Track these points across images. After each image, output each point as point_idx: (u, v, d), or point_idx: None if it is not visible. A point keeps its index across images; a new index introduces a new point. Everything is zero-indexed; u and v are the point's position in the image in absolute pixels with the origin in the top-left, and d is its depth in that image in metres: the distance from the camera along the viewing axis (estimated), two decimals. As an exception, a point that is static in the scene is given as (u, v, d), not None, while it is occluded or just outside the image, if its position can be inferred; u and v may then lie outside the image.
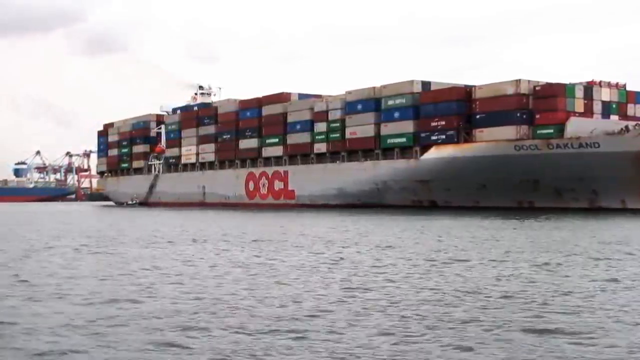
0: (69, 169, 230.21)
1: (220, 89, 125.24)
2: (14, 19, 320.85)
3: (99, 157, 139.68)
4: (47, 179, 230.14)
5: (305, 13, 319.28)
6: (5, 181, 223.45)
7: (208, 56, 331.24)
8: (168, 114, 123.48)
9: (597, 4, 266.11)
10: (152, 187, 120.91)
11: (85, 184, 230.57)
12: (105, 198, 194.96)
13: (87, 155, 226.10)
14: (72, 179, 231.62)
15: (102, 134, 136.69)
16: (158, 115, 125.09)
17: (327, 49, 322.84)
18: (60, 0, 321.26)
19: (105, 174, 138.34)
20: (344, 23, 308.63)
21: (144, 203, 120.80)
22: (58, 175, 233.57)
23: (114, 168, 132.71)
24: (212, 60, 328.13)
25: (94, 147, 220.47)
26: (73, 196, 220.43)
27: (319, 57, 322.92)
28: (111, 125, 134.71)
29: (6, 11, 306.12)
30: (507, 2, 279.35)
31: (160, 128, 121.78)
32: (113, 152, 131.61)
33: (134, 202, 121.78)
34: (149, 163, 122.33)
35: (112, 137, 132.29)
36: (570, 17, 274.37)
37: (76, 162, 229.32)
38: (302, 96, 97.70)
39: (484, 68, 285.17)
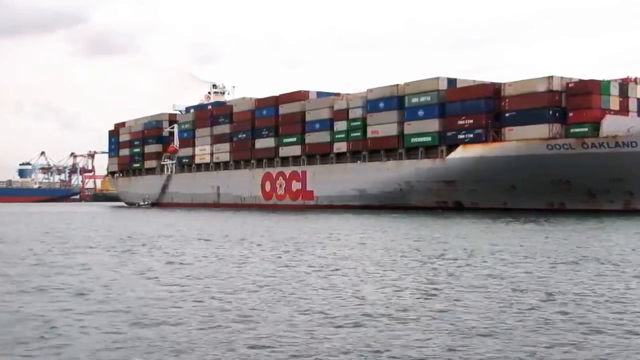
0: (73, 170, 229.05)
1: (234, 87, 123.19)
2: (19, 20, 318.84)
3: (109, 157, 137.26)
4: (51, 180, 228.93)
5: (311, 18, 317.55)
6: (10, 181, 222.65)
7: (213, 59, 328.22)
8: (181, 113, 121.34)
9: (598, 8, 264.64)
10: (164, 187, 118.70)
11: (90, 184, 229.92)
12: (109, 199, 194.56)
13: (91, 156, 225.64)
14: (76, 180, 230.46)
15: (113, 134, 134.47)
16: (170, 115, 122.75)
17: (333, 54, 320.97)
18: (64, 2, 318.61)
19: (117, 174, 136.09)
20: (350, 28, 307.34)
21: (156, 204, 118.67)
22: (62, 176, 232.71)
23: (126, 168, 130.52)
24: (217, 64, 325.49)
25: (98, 148, 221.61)
26: (77, 197, 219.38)
27: (324, 61, 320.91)
28: (122, 124, 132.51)
29: (10, 13, 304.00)
30: (508, 7, 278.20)
31: (173, 127, 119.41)
32: (124, 152, 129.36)
33: (146, 202, 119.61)
34: (162, 163, 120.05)
35: (124, 137, 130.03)
36: (571, 21, 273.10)
37: (80, 162, 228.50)
38: (320, 94, 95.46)
39: (487, 72, 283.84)
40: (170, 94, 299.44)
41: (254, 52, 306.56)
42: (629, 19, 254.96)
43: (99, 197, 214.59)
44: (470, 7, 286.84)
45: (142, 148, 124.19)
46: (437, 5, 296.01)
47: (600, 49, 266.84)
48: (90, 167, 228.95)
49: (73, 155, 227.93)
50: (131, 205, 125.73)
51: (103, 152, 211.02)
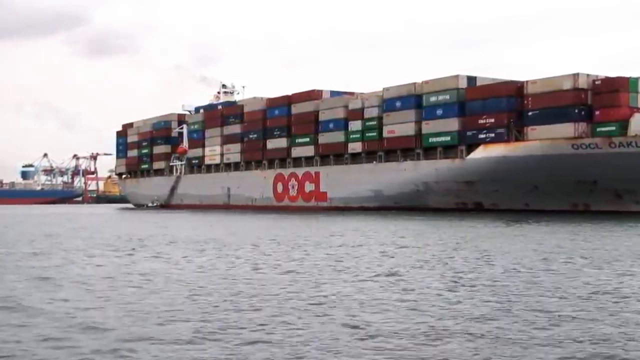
0: (75, 172, 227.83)
1: (243, 87, 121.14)
2: (19, 22, 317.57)
3: (117, 157, 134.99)
4: (54, 182, 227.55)
5: (311, 18, 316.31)
6: (13, 183, 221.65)
7: (213, 59, 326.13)
8: (190, 113, 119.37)
9: (598, 8, 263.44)
10: (173, 189, 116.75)
11: (92, 186, 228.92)
12: (111, 200, 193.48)
13: (93, 157, 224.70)
14: (79, 182, 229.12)
15: (121, 135, 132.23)
16: (179, 115, 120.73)
17: (333, 54, 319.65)
18: (64, 2, 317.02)
19: (124, 175, 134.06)
20: (350, 28, 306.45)
21: (165, 205, 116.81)
22: (65, 178, 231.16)
23: (134, 169, 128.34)
24: (217, 64, 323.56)
25: (99, 148, 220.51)
26: (80, 198, 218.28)
27: (324, 61, 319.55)
28: (130, 125, 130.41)
29: (10, 14, 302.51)
30: (508, 7, 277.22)
31: (182, 128, 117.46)
32: (132, 152, 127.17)
33: (155, 204, 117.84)
34: (171, 164, 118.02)
35: (132, 138, 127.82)
36: (571, 21, 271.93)
37: (83, 164, 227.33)
38: (334, 94, 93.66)
39: (487, 72, 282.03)
40: (171, 94, 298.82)
41: (254, 52, 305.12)
42: (629, 19, 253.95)
43: (101, 198, 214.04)
44: (470, 7, 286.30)
45: (151, 149, 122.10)
46: (437, 5, 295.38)
47: (600, 49, 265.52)
48: (92, 169, 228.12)
49: (75, 157, 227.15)
50: (139, 206, 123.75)
51: (105, 154, 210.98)
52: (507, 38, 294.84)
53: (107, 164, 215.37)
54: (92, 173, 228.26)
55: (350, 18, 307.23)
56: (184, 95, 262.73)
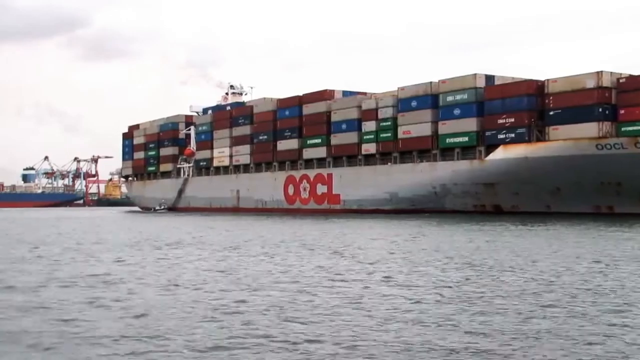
0: (76, 175, 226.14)
1: (252, 88, 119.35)
2: (20, 24, 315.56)
3: (123, 160, 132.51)
4: (55, 185, 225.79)
5: (312, 21, 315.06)
6: (14, 186, 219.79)
7: (215, 62, 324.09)
8: (198, 115, 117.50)
9: (598, 10, 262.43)
10: (181, 191, 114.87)
11: (93, 189, 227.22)
12: (112, 204, 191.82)
13: (94, 160, 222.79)
14: (80, 185, 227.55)
15: (127, 136, 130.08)
16: (187, 116, 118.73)
17: (334, 56, 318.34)
18: (66, 5, 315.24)
19: (130, 178, 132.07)
20: (352, 31, 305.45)
21: (173, 208, 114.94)
22: (66, 181, 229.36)
23: (140, 172, 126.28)
24: (219, 67, 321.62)
25: (100, 151, 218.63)
26: (81, 201, 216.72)
27: (326, 64, 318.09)
28: (137, 127, 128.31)
29: (13, 17, 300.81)
30: (509, 9, 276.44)
31: (189, 129, 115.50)
32: (139, 155, 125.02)
33: (162, 207, 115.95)
34: (178, 166, 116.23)
35: (138, 140, 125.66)
36: (571, 24, 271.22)
37: (84, 167, 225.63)
38: (346, 93, 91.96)
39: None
40: (172, 97, 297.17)
41: (255, 55, 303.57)
42: (629, 20, 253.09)
43: (102, 201, 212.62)
44: (470, 10, 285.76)
45: (158, 151, 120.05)
46: (438, 8, 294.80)
47: (600, 50, 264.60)
48: (93, 172, 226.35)
49: (77, 159, 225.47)
50: (146, 210, 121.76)
51: (107, 157, 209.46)
52: (507, 41, 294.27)
53: (108, 167, 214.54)
54: (93, 176, 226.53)
55: (351, 21, 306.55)
56: (185, 98, 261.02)
